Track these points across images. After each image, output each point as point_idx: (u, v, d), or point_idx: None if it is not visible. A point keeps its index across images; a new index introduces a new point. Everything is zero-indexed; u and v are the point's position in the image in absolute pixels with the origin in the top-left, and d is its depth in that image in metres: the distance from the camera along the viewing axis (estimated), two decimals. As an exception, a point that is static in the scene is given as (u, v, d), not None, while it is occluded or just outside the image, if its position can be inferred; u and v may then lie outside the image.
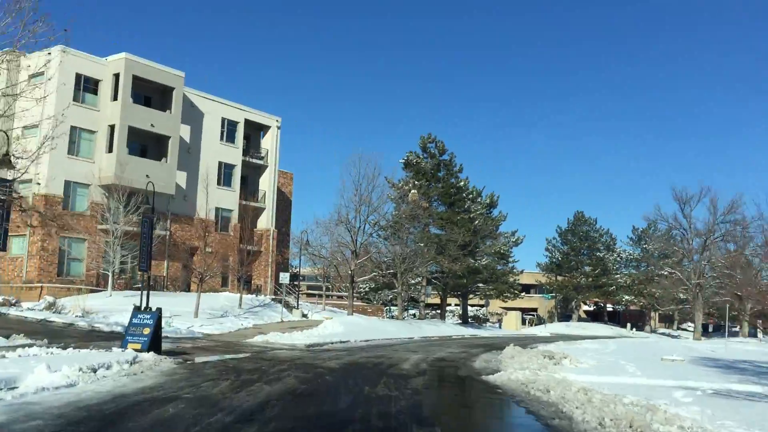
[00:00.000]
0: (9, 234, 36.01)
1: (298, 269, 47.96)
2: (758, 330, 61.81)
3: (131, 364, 13.50)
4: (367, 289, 59.29)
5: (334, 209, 49.52)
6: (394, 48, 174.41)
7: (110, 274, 35.14)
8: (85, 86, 37.82)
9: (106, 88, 38.43)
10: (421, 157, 53.13)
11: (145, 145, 40.48)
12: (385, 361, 19.31)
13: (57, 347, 15.22)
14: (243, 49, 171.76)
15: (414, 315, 56.32)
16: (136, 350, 15.28)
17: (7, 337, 17.45)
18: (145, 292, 18.75)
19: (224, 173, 45.26)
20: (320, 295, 56.35)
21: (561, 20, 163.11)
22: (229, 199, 45.23)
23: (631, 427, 9.16)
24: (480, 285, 55.96)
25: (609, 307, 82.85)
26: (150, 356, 14.75)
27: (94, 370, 12.02)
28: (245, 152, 47.16)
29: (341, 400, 11.35)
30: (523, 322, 71.80)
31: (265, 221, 48.22)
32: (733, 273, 57.30)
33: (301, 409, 10.06)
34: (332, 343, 26.16)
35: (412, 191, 47.10)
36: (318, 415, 9.73)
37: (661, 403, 10.89)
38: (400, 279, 44.15)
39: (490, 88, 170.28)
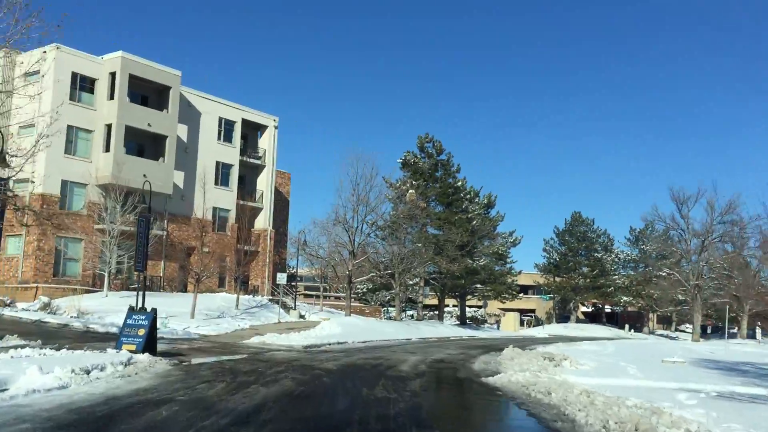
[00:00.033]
0: (6, 234, 36.08)
1: (295, 270, 47.76)
2: (757, 330, 61.72)
3: (125, 365, 13.29)
4: (364, 289, 59.06)
5: (331, 209, 49.23)
6: (393, 48, 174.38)
7: (106, 275, 34.90)
8: (82, 85, 37.56)
9: (102, 87, 38.18)
10: (418, 157, 52.96)
11: (142, 144, 40.25)
12: (384, 363, 19.12)
13: (50, 348, 15.01)
14: (242, 48, 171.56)
15: (412, 316, 56.13)
16: (130, 351, 15.07)
17: (1, 338, 17.24)
18: (141, 293, 18.54)
19: (222, 173, 45.03)
20: (318, 296, 56.09)
21: (561, 20, 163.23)
22: (227, 199, 45.00)
23: (636, 430, 8.97)
24: (478, 286, 55.78)
25: (607, 309, 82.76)
26: (145, 357, 14.55)
27: (88, 372, 11.81)
28: (242, 152, 46.95)
29: (339, 402, 11.15)
30: (521, 323, 71.67)
31: (263, 221, 48.01)
32: (732, 274, 57.30)
33: (298, 412, 9.85)
34: (330, 345, 25.96)
35: (410, 191, 46.90)
36: (315, 418, 9.53)
37: (665, 405, 10.70)
38: (398, 280, 43.96)
39: (489, 88, 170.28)
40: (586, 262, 74.36)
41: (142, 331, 15.90)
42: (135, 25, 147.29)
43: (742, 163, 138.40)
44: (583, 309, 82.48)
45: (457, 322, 56.54)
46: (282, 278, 38.43)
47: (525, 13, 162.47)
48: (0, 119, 21.71)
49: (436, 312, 58.41)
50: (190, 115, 42.83)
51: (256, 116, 48.04)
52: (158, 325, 19.22)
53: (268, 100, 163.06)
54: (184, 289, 40.59)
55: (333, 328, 31.66)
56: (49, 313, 27.18)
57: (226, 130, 45.52)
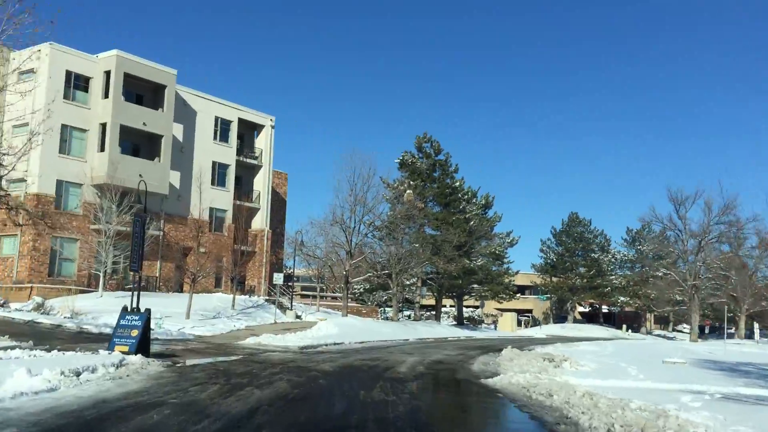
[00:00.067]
0: (1, 234, 35.73)
1: (292, 270, 47.52)
2: (755, 330, 61.58)
3: (117, 367, 12.99)
4: (361, 290, 58.81)
5: (329, 209, 48.96)
6: (393, 48, 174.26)
7: (101, 275, 34.58)
8: (76, 83, 37.19)
9: (97, 86, 37.82)
10: (416, 157, 52.72)
11: (138, 144, 39.91)
12: (381, 364, 18.86)
13: (41, 349, 14.71)
14: (242, 48, 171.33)
15: (409, 316, 55.86)
16: (123, 353, 14.77)
17: (-9, 338, 16.92)
18: (135, 293, 18.23)
19: (218, 173, 44.72)
20: (314, 296, 55.82)
21: (561, 20, 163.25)
22: (223, 199, 44.69)
23: (641, 434, 8.72)
24: (475, 286, 55.57)
25: (604, 309, 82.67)
26: (137, 359, 14.25)
27: (78, 374, 11.50)
28: (239, 152, 46.64)
29: (336, 405, 10.88)
30: (519, 323, 71.44)
31: (260, 221, 47.72)
32: (729, 274, 57.19)
33: (294, 415, 9.58)
34: (326, 345, 25.70)
35: (408, 191, 46.63)
36: (311, 422, 9.26)
37: (670, 407, 10.44)
38: (395, 280, 43.71)
39: (489, 88, 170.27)
40: (583, 263, 74.24)
41: (135, 332, 15.59)
42: (134, 25, 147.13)
43: (742, 163, 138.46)
44: (580, 309, 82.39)
45: (454, 323, 56.30)
46: (279, 278, 38.16)
47: (525, 13, 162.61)
48: (-8, 117, 21.41)
49: (433, 312, 58.17)
50: (185, 114, 42.50)
51: (252, 115, 47.73)
52: (153, 325, 18.91)
53: (267, 100, 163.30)
54: (181, 290, 40.28)
55: (330, 328, 31.39)
56: (42, 313, 26.82)
57: (222, 129, 45.18)
